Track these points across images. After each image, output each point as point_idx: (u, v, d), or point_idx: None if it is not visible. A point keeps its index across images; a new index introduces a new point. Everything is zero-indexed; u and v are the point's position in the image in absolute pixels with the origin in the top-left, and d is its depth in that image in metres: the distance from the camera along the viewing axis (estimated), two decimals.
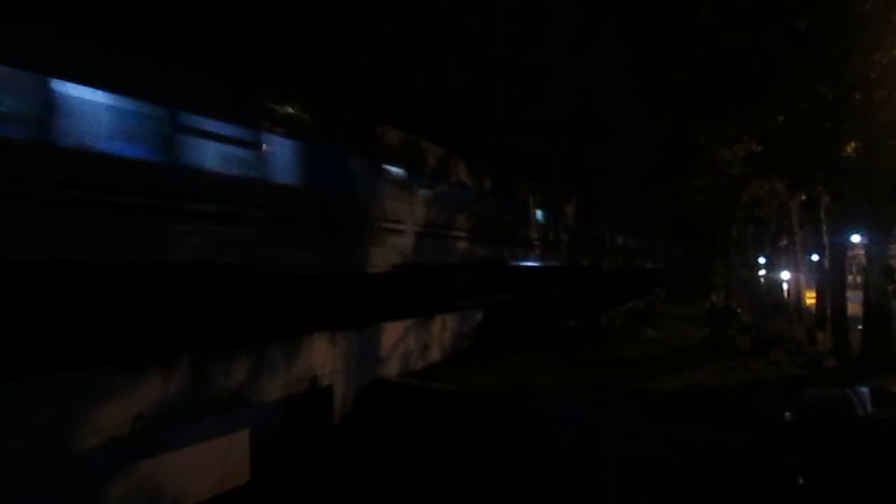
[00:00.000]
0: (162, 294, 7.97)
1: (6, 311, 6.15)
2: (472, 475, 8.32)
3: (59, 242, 6.73)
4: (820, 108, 10.29)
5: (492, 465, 8.31)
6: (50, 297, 6.60)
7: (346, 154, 11.79)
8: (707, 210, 23.67)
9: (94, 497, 7.21)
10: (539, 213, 23.54)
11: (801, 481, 6.09)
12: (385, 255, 12.77)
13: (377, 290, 12.32)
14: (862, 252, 17.02)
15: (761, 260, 30.12)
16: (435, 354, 13.30)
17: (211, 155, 8.82)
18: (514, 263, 20.66)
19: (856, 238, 17.02)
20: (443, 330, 13.76)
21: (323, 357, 9.79)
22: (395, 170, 13.66)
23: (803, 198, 18.33)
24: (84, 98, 7.10)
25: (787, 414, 8.22)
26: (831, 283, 14.85)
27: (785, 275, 21.08)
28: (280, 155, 10.02)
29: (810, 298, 22.73)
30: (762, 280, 30.41)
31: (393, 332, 11.73)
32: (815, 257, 20.66)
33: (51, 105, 6.78)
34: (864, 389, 8.48)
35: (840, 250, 14.23)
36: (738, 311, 21.44)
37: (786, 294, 24.16)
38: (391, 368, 11.58)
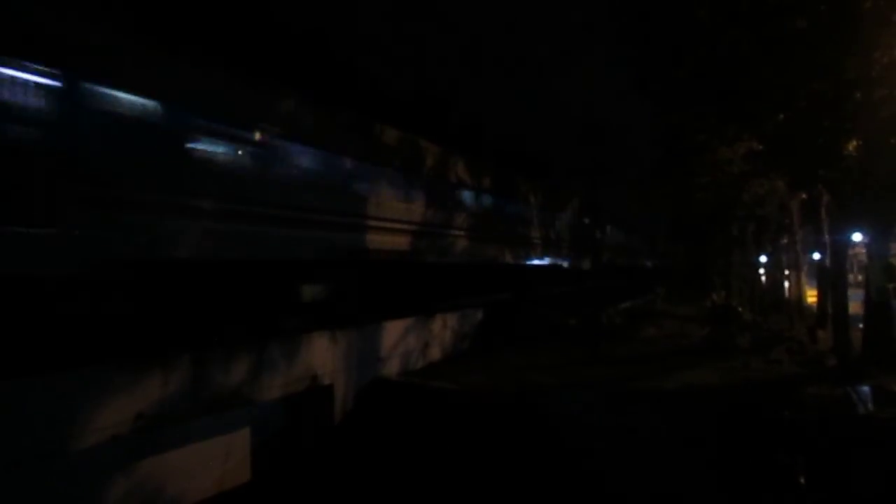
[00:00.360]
0: (161, 292, 7.97)
1: (4, 310, 6.15)
2: (472, 474, 8.32)
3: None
4: (820, 106, 10.28)
5: (492, 464, 8.31)
6: (49, 295, 6.60)
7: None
8: (707, 209, 23.69)
9: (95, 496, 7.23)
10: (539, 212, 23.53)
11: (801, 479, 6.10)
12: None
13: (378, 288, 12.31)
14: (863, 250, 17.01)
15: (762, 259, 30.14)
16: (436, 353, 13.30)
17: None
18: (515, 262, 20.66)
19: (857, 236, 17.00)
20: (443, 329, 13.76)
21: (323, 356, 9.79)
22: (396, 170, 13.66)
23: (804, 196, 18.33)
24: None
25: (788, 412, 8.22)
26: (832, 282, 14.84)
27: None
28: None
29: (811, 297, 22.73)
30: (763, 278, 30.41)
31: (393, 331, 11.74)
32: (816, 256, 20.65)
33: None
34: (866, 388, 8.50)
35: (841, 249, 14.22)
36: (739, 309, 21.44)
37: (787, 292, 24.16)
38: (392, 367, 11.59)
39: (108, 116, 7.24)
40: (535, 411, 8.89)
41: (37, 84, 6.51)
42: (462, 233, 16.61)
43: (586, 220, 28.96)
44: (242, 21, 11.09)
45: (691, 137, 15.46)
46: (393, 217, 13.21)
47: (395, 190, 13.52)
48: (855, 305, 13.99)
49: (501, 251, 19.37)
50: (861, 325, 12.38)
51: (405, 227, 13.71)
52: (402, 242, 13.53)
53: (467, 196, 17.28)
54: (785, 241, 24.68)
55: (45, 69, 6.55)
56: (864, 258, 15.64)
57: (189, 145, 8.40)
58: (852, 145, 10.97)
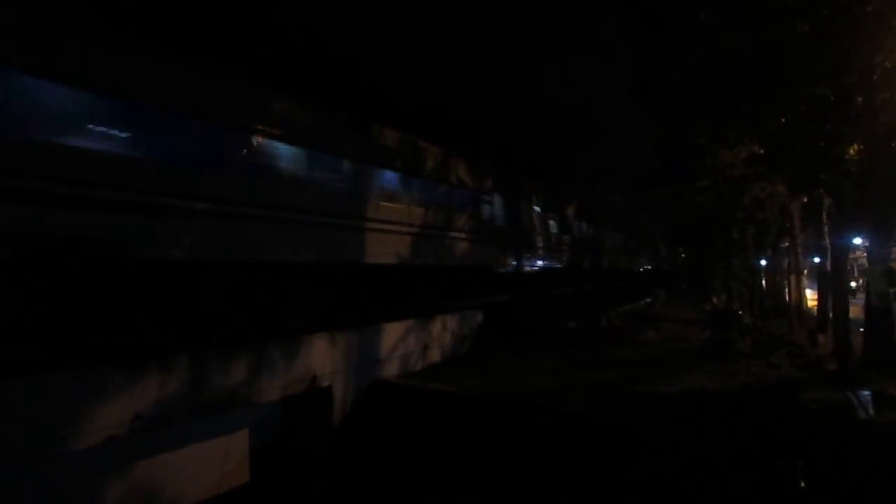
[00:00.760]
0: (160, 292, 7.95)
1: (3, 309, 6.13)
2: (470, 475, 8.29)
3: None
4: (821, 110, 10.26)
5: (490, 465, 8.28)
6: (49, 295, 6.58)
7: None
8: (708, 212, 23.64)
9: (92, 496, 7.20)
10: (539, 214, 23.50)
11: (802, 484, 6.07)
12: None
13: (377, 289, 12.28)
14: (864, 255, 16.97)
15: (763, 262, 30.08)
16: (435, 355, 13.27)
17: None
18: (515, 264, 20.62)
19: (857, 240, 16.97)
20: (443, 331, 13.73)
21: (322, 357, 9.77)
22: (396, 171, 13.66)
23: (805, 200, 18.29)
24: None
25: (789, 417, 8.20)
26: (833, 285, 14.81)
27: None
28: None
29: (812, 301, 22.69)
30: (763, 282, 30.37)
31: (393, 333, 11.71)
32: (816, 260, 20.61)
33: None
34: (866, 393, 8.46)
35: (842, 253, 14.19)
36: (740, 313, 21.39)
37: (787, 296, 24.12)
38: (391, 369, 11.56)
39: None
40: (532, 413, 8.86)
41: None
42: (461, 235, 16.58)
43: (586, 223, 28.92)
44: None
45: (692, 140, 15.44)
46: (391, 219, 13.19)
47: (394, 190, 13.53)
48: (855, 309, 13.96)
49: (501, 253, 19.34)
50: (862, 330, 12.34)
51: (404, 228, 13.68)
52: (401, 244, 13.50)
53: (466, 198, 17.26)
54: (786, 244, 24.63)
55: None
56: (864, 262, 15.60)
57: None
58: (853, 149, 10.96)
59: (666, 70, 12.04)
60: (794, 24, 9.63)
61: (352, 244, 11.78)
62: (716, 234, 25.83)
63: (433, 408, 9.88)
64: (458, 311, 14.53)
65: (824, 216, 16.40)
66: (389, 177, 13.53)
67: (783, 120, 11.35)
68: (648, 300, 31.88)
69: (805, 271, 23.12)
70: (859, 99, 10.02)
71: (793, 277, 22.39)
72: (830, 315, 15.81)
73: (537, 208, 23.17)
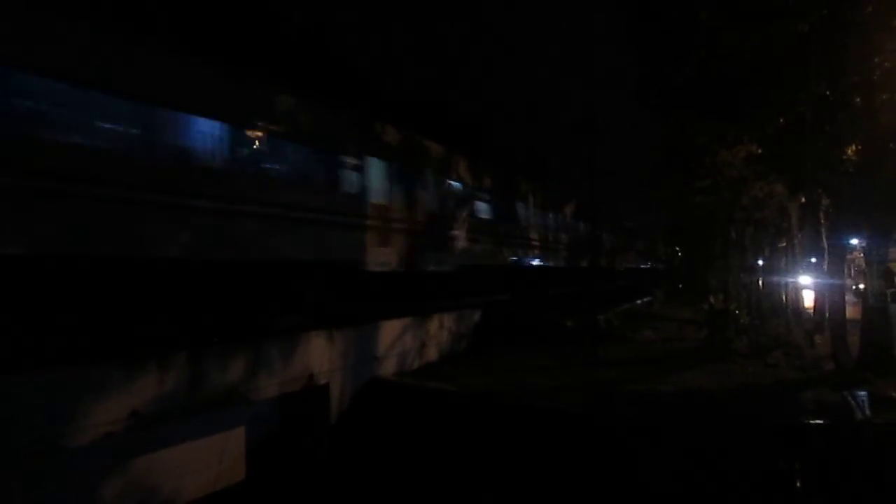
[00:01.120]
0: (158, 289, 7.93)
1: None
2: (467, 474, 8.30)
3: None
4: (821, 110, 10.28)
5: (487, 465, 8.29)
6: (44, 291, 6.56)
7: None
8: (706, 211, 23.67)
9: (89, 494, 7.19)
10: (538, 213, 23.51)
11: (798, 484, 6.08)
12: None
13: (375, 288, 12.27)
14: (861, 255, 16.98)
15: (760, 262, 30.10)
16: (432, 353, 13.27)
17: None
18: (513, 263, 20.63)
19: (855, 241, 16.98)
20: (440, 329, 13.73)
21: (320, 355, 9.76)
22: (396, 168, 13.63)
23: (803, 200, 18.30)
24: None
25: (786, 417, 8.21)
26: (830, 286, 14.83)
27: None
28: None
29: (809, 301, 22.70)
30: (760, 282, 30.39)
31: (390, 331, 11.70)
32: (813, 259, 20.62)
33: None
34: (863, 393, 8.47)
35: (839, 253, 14.20)
36: (737, 312, 21.40)
37: (784, 296, 24.14)
38: (388, 367, 11.55)
39: None
40: (529, 412, 8.86)
41: None
42: (460, 233, 16.58)
43: (584, 222, 28.94)
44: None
45: (691, 140, 15.46)
46: (393, 217, 13.20)
47: (396, 188, 13.52)
48: (853, 310, 13.97)
49: (499, 252, 19.34)
50: (859, 330, 12.36)
51: (404, 226, 13.68)
52: (400, 243, 13.50)
53: (465, 196, 17.26)
54: (783, 244, 24.67)
55: None
56: (862, 263, 15.62)
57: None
58: (852, 150, 10.98)
59: (666, 70, 12.05)
60: (794, 25, 9.64)
61: (351, 243, 11.79)
62: (714, 234, 25.87)
63: (430, 406, 9.88)
64: (455, 309, 14.53)
65: (822, 216, 16.41)
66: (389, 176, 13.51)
67: (782, 120, 11.37)
68: (647, 299, 31.89)
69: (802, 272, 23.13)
70: (858, 99, 10.03)
71: (790, 277, 22.42)
72: (827, 315, 15.82)
73: (536, 206, 23.17)
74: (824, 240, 15.77)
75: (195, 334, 7.90)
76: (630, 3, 12.07)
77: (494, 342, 14.79)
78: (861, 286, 13.40)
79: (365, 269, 12.14)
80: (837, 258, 13.74)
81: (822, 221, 16.35)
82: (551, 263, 24.98)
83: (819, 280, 17.83)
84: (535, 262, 23.21)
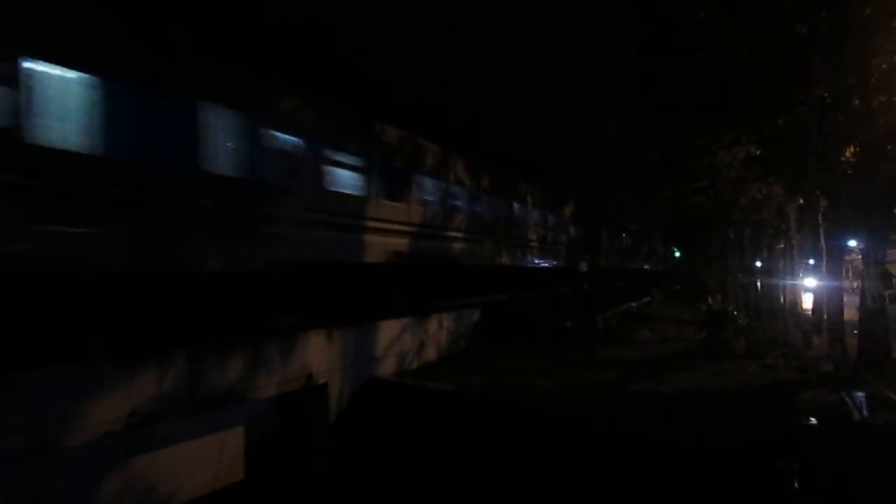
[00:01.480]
0: (157, 289, 7.92)
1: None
2: (466, 474, 8.30)
3: None
4: (819, 112, 10.30)
5: (486, 464, 8.29)
6: (44, 291, 6.55)
7: None
8: (705, 212, 23.72)
9: (87, 492, 7.19)
10: (537, 213, 23.52)
11: (796, 485, 6.09)
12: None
13: (375, 287, 12.28)
14: (859, 257, 17.02)
15: (758, 263, 30.15)
16: (431, 353, 13.27)
17: None
18: (511, 263, 20.64)
19: (853, 242, 17.00)
20: (439, 329, 13.74)
21: (319, 354, 9.76)
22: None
23: (801, 201, 18.33)
24: None
25: (784, 418, 8.22)
26: (828, 288, 14.84)
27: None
28: None
29: (807, 302, 22.73)
30: (758, 283, 30.43)
31: (389, 331, 11.71)
32: (811, 261, 20.65)
33: None
34: (861, 394, 8.49)
35: (837, 254, 14.22)
36: (735, 313, 21.45)
37: (782, 297, 24.18)
38: (387, 367, 11.56)
39: None
40: (527, 412, 8.87)
41: None
42: (459, 233, 16.59)
43: (583, 222, 28.97)
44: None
45: (690, 141, 15.49)
46: (393, 218, 13.20)
47: (395, 188, 13.53)
48: (851, 312, 14.01)
49: (498, 252, 19.35)
50: (856, 332, 12.38)
51: (403, 227, 13.69)
52: (399, 243, 13.51)
53: (465, 196, 17.27)
54: (781, 245, 24.71)
55: None
56: (860, 264, 15.66)
57: None
58: (850, 151, 11.00)
59: (666, 71, 12.08)
60: (793, 26, 9.66)
61: (351, 243, 11.80)
62: (713, 235, 25.92)
63: (429, 405, 9.89)
64: (454, 309, 14.53)
65: (820, 218, 16.44)
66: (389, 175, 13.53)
67: (781, 122, 11.39)
68: (645, 300, 31.94)
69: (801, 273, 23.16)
70: (857, 101, 10.06)
71: (788, 279, 22.47)
72: (825, 317, 15.84)
73: (535, 207, 23.17)
74: (822, 241, 15.80)
75: (195, 333, 7.90)
76: (630, 3, 12.08)
77: (493, 342, 14.80)
78: (857, 284, 13.42)
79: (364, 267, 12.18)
80: (835, 259, 13.77)
81: (821, 223, 16.38)
82: (550, 263, 24.99)
83: (817, 281, 17.87)
84: (534, 263, 23.21)
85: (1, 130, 6.22)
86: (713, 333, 16.11)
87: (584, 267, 27.92)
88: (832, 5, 9.39)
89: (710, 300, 24.94)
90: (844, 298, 14.58)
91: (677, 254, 65.42)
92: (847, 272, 22.12)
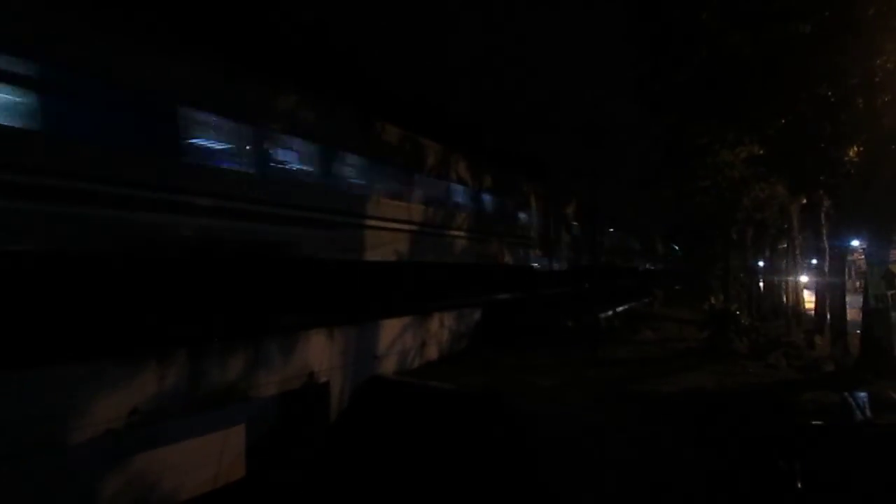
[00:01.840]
0: (158, 286, 7.92)
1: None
2: (466, 473, 8.30)
3: None
4: (822, 111, 10.27)
5: (486, 464, 8.28)
6: (45, 288, 6.56)
7: None
8: (707, 212, 23.67)
9: (88, 490, 7.19)
10: (538, 213, 23.49)
11: (799, 486, 6.08)
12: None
13: (375, 286, 12.27)
14: (862, 257, 16.99)
15: (761, 263, 30.15)
16: (432, 352, 13.27)
17: None
18: (513, 263, 20.62)
19: (855, 242, 16.99)
20: (440, 328, 13.73)
21: (320, 353, 9.76)
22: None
23: (804, 201, 18.31)
24: None
25: (786, 418, 8.21)
26: (830, 288, 14.84)
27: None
28: None
29: (809, 302, 22.73)
30: (761, 283, 30.44)
31: (390, 330, 11.70)
32: (814, 261, 20.64)
33: None
34: (863, 394, 8.48)
35: (840, 254, 14.22)
36: (737, 313, 21.42)
37: (785, 297, 24.16)
38: (388, 366, 11.56)
39: None
40: (527, 412, 8.86)
41: None
42: (461, 233, 16.58)
43: (584, 222, 28.92)
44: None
45: (692, 140, 15.44)
46: (393, 217, 13.19)
47: (395, 187, 13.54)
48: (853, 312, 13.99)
49: (500, 252, 19.33)
50: (859, 332, 12.37)
51: (404, 226, 13.68)
52: (400, 241, 13.49)
53: (465, 196, 17.25)
54: (784, 245, 24.71)
55: None
56: (863, 264, 15.64)
57: None
58: (854, 151, 10.97)
59: (667, 70, 12.04)
60: (796, 25, 9.63)
61: (345, 241, 11.78)
62: (715, 235, 25.88)
63: (430, 404, 9.88)
64: (456, 308, 14.52)
65: (823, 217, 16.43)
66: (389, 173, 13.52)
67: (783, 121, 11.36)
68: (647, 300, 31.91)
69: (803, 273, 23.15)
70: (860, 101, 10.02)
71: (790, 278, 22.45)
72: (828, 317, 15.84)
73: (536, 206, 23.15)
74: (825, 241, 15.79)
75: (196, 331, 7.90)
76: (631, 2, 12.04)
77: (495, 341, 14.79)
78: (860, 283, 13.41)
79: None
80: (838, 259, 13.76)
81: (823, 223, 16.38)
82: (551, 263, 24.96)
83: (819, 281, 17.85)
84: (535, 262, 23.19)
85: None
86: (715, 333, 16.11)
87: (585, 266, 27.88)
88: (836, 5, 9.36)
89: (712, 300, 24.89)
90: (847, 298, 14.59)
91: (679, 253, 65.29)
92: (850, 272, 22.04)
